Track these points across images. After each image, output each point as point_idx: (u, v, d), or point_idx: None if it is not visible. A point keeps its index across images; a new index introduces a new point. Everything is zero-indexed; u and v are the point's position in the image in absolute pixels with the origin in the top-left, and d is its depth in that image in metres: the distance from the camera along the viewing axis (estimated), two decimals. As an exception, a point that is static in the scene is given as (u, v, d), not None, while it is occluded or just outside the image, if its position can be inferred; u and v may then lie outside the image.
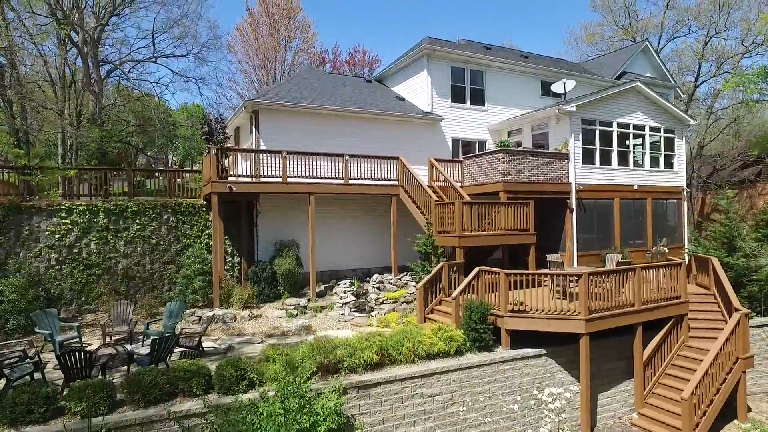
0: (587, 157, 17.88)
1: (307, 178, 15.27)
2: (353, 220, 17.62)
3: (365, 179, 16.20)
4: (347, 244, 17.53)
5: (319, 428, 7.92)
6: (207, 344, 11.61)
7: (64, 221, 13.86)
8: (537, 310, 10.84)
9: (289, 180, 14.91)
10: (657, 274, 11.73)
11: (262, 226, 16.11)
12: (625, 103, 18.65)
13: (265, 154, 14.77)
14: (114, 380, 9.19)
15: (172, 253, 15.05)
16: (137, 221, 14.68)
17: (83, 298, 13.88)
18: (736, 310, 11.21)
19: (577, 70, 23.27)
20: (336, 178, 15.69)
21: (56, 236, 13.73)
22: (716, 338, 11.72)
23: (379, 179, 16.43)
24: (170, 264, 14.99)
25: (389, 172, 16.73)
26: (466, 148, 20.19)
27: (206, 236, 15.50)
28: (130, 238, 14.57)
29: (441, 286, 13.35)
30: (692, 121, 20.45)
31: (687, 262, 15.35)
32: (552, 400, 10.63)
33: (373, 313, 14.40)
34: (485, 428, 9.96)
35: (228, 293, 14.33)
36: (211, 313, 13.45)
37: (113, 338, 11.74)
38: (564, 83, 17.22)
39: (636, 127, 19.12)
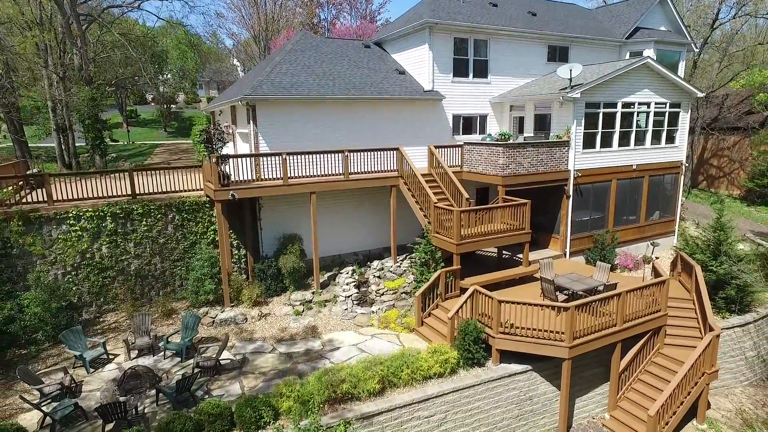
0: (588, 142, 17.78)
1: (307, 177, 15.42)
2: (354, 206, 17.95)
3: (365, 172, 16.34)
4: (348, 230, 18.08)
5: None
6: (223, 355, 12.67)
7: (73, 228, 14.25)
8: (525, 334, 11.71)
9: (290, 181, 15.07)
10: (642, 293, 12.49)
11: (265, 219, 16.54)
12: (632, 82, 18.07)
13: (265, 157, 14.79)
14: (146, 410, 10.37)
15: (180, 251, 15.64)
16: (144, 223, 15.06)
17: (101, 299, 14.76)
18: (711, 330, 12.14)
19: (586, 30, 21.95)
20: (336, 175, 15.83)
21: (68, 243, 14.22)
22: (689, 346, 12.85)
23: (378, 171, 16.55)
24: (179, 261, 15.65)
25: (389, 163, 16.80)
26: (467, 124, 19.90)
27: (212, 232, 15.96)
28: (139, 239, 15.06)
29: (438, 291, 14.18)
30: (700, 94, 19.91)
31: (673, 258, 16.04)
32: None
33: (373, 309, 15.37)
34: (474, 439, 11.38)
35: (237, 291, 15.21)
36: (224, 315, 14.43)
37: (136, 350, 12.84)
38: (570, 70, 16.53)
39: (641, 104, 18.72)
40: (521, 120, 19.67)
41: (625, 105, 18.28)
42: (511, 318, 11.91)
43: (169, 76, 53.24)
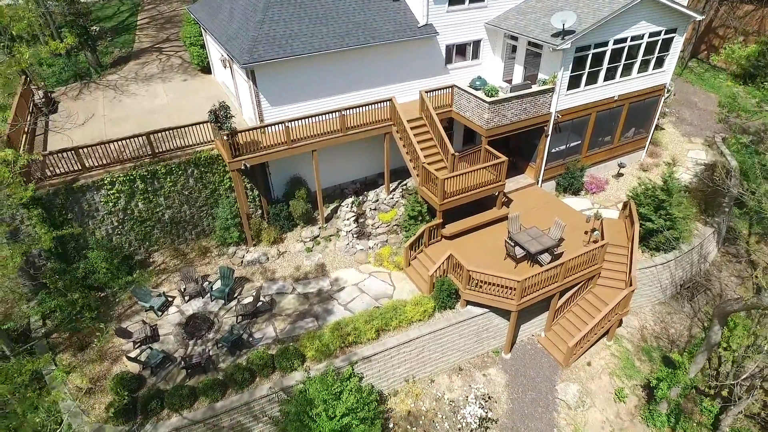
0: (573, 83, 18.55)
1: (308, 138, 17.03)
2: (352, 143, 19.58)
3: (360, 125, 17.80)
4: (347, 162, 20.15)
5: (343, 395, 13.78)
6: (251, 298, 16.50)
7: (110, 192, 16.58)
8: (487, 290, 15.33)
9: (293, 144, 16.78)
10: (584, 256, 15.71)
11: (273, 166, 18.57)
12: (629, 17, 17.85)
13: (270, 127, 16.25)
14: (210, 353, 14.64)
15: (203, 198, 18.15)
16: (168, 179, 17.24)
17: (147, 244, 17.98)
18: (630, 284, 15.73)
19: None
20: (334, 131, 17.36)
21: (110, 204, 16.73)
22: (616, 288, 16.60)
23: (372, 122, 17.97)
24: (204, 206, 18.32)
25: (383, 112, 18.05)
26: (461, 51, 20.04)
27: (227, 180, 18.21)
28: (167, 193, 17.45)
29: (423, 241, 17.33)
30: (699, 17, 19.47)
31: (625, 202, 18.61)
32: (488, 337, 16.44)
33: (370, 244, 18.69)
34: (443, 359, 16.04)
35: (257, 232, 18.36)
36: (250, 257, 17.89)
37: (188, 295, 16.59)
38: (563, 22, 16.30)
39: (634, 38, 18.75)
40: (514, 48, 19.77)
41: (618, 41, 18.39)
42: (477, 277, 15.37)
43: None
